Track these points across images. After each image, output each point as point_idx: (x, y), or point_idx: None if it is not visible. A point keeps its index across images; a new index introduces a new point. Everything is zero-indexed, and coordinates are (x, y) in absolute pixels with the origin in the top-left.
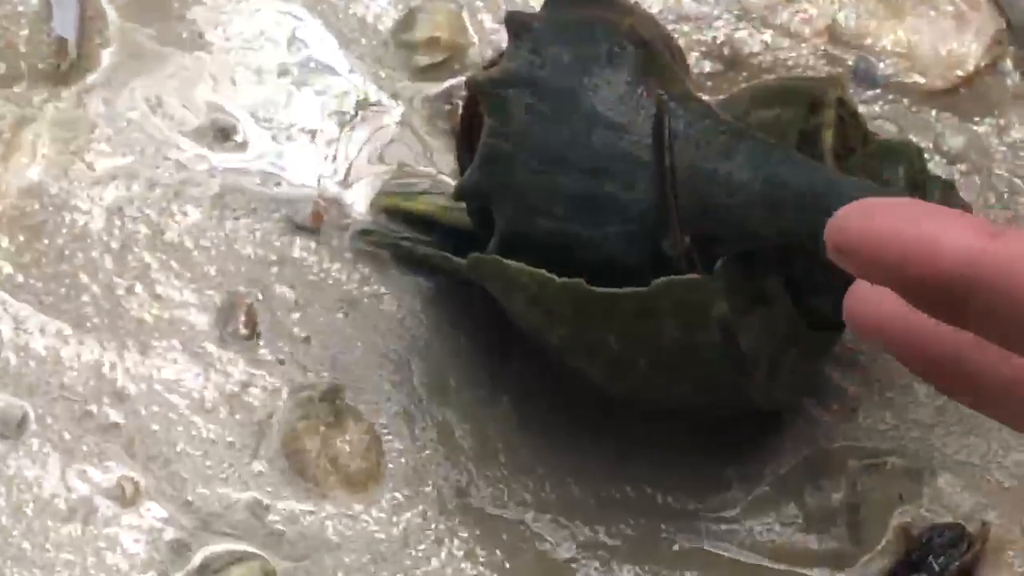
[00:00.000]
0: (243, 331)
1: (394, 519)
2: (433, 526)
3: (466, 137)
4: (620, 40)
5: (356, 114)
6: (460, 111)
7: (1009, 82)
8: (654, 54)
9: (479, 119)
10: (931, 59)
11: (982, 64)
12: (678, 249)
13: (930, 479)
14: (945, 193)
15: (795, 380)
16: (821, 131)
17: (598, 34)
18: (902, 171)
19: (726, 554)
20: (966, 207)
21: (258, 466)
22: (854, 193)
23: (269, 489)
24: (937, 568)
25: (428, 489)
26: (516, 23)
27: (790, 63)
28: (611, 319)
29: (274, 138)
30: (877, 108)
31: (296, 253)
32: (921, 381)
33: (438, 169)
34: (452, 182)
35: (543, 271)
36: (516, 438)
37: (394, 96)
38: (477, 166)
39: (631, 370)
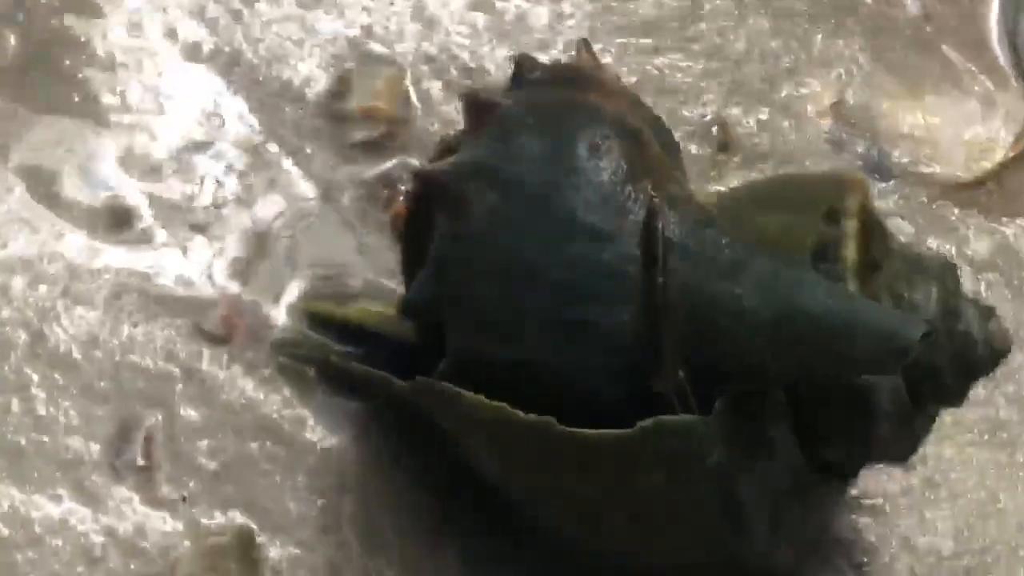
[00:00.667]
0: (140, 461)
1: None
2: None
3: (411, 238)
4: (604, 128)
5: (278, 201)
6: (404, 205)
7: None
8: (644, 146)
9: (428, 217)
10: (953, 146)
11: (1010, 154)
12: (669, 385)
13: None
14: (983, 321)
15: (799, 538)
16: (841, 245)
17: (578, 120)
18: (935, 293)
19: None
20: (1005, 337)
21: None
22: (882, 323)
23: None
24: None
25: None
26: (478, 104)
27: (790, 147)
28: (586, 466)
29: (179, 228)
30: (891, 203)
31: (204, 367)
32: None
33: (374, 269)
34: (390, 284)
35: (506, 405)
36: None
37: (323, 179)
38: (429, 276)
39: (607, 524)
